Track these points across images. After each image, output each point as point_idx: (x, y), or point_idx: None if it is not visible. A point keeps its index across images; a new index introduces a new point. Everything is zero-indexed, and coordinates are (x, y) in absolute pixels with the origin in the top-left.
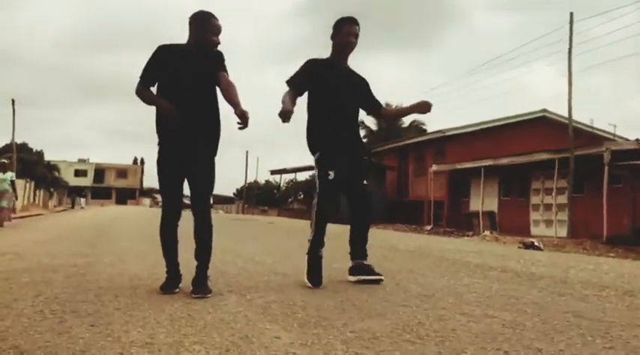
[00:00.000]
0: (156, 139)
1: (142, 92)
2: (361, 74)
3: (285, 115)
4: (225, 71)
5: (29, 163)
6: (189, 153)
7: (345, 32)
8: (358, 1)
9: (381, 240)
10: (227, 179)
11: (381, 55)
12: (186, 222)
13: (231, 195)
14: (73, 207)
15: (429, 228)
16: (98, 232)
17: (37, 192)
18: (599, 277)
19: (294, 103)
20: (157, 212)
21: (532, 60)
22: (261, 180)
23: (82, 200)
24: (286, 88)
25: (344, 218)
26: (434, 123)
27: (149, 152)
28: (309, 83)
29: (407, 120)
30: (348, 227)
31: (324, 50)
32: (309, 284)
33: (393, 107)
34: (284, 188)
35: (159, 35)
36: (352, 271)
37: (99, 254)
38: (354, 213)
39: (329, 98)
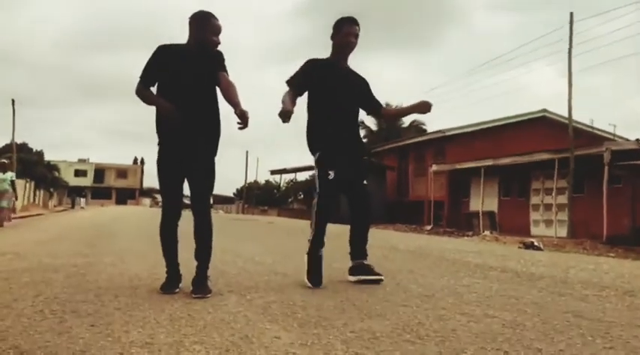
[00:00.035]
0: (156, 139)
1: (142, 92)
2: (361, 74)
3: (285, 115)
4: (225, 71)
5: (29, 163)
6: (189, 153)
7: (345, 32)
8: (358, 1)
9: (381, 239)
10: (227, 179)
11: (381, 55)
12: (186, 222)
13: (231, 195)
14: (73, 207)
15: (429, 228)
16: (98, 232)
17: (37, 192)
18: (599, 277)
19: (294, 103)
20: (157, 212)
21: (532, 60)
22: (261, 180)
23: (82, 200)
24: (286, 88)
25: (344, 218)
26: (434, 123)
27: (149, 152)
28: (309, 83)
29: (407, 121)
30: (348, 227)
31: (324, 50)
32: (309, 284)
33: (393, 107)
34: (284, 188)
35: (159, 35)
36: (352, 271)
37: (99, 254)
38: (354, 214)
39: (329, 98)
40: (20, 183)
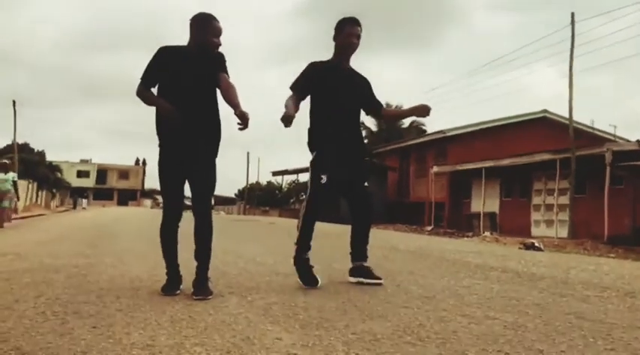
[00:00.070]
0: (156, 140)
1: (143, 93)
2: (363, 74)
3: (287, 120)
4: (226, 72)
5: (31, 164)
6: (189, 154)
7: (347, 33)
8: (358, 1)
9: (382, 240)
10: (228, 180)
11: (381, 55)
12: (187, 222)
13: (233, 195)
14: (74, 207)
15: (429, 228)
16: (99, 233)
17: (40, 192)
18: (600, 278)
19: (297, 108)
20: (158, 213)
21: (533, 61)
22: (262, 181)
23: (84, 201)
24: (290, 93)
25: (344, 218)
26: (434, 123)
27: (149, 152)
28: (311, 86)
29: (407, 121)
30: (349, 227)
31: (324, 50)
32: (305, 286)
33: (393, 107)
34: (286, 189)
35: (159, 36)
36: (352, 272)
37: (100, 254)
38: (355, 215)
39: (330, 99)
40: (23, 184)
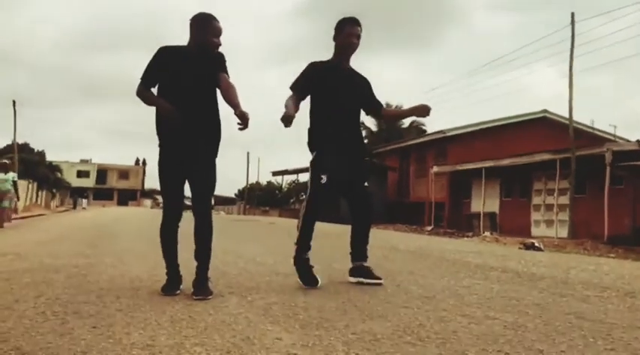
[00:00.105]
0: (156, 140)
1: (143, 93)
2: (363, 74)
3: (287, 120)
4: (226, 72)
5: (31, 164)
6: (189, 154)
7: (347, 33)
8: (358, 1)
9: (382, 240)
10: (228, 180)
11: (381, 55)
12: (187, 222)
13: (233, 195)
14: (74, 207)
15: (429, 228)
16: (99, 233)
17: (40, 192)
18: (600, 278)
19: (297, 108)
20: (158, 213)
21: (533, 61)
22: (262, 181)
23: (84, 201)
24: (290, 93)
25: (344, 218)
26: (434, 123)
27: (149, 152)
28: (311, 86)
29: (407, 121)
30: (349, 227)
31: (324, 50)
32: (305, 286)
33: (393, 107)
34: (286, 189)
35: (159, 36)
36: (352, 272)
37: (100, 254)
38: (355, 215)
39: (329, 99)
40: (23, 184)
